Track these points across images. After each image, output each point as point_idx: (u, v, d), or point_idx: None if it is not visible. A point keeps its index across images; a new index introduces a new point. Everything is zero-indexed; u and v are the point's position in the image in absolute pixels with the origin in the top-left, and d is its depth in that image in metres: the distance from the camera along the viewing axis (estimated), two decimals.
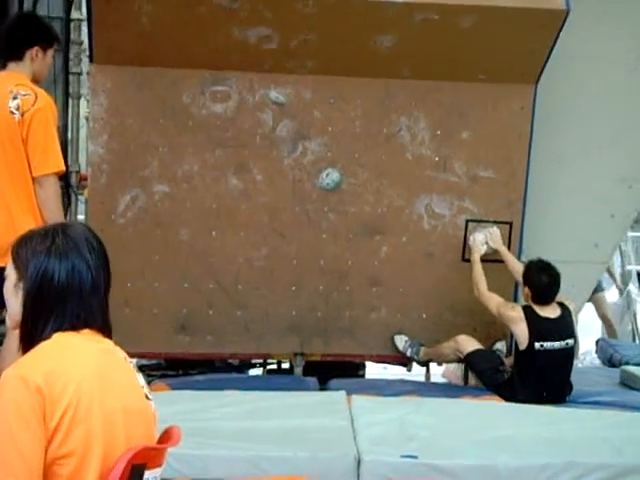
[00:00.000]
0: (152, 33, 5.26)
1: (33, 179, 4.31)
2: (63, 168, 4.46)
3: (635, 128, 6.11)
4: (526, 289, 5.57)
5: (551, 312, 5.51)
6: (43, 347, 2.22)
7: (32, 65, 4.49)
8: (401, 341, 5.89)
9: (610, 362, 7.42)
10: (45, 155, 4.31)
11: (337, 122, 5.72)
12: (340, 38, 5.39)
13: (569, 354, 5.54)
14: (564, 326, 5.52)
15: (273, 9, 5.23)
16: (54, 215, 4.23)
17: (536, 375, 5.43)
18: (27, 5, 6.14)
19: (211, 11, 5.19)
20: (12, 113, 4.28)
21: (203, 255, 5.74)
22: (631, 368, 6.47)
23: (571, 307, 5.62)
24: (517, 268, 5.72)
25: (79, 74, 5.85)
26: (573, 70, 5.95)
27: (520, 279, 5.68)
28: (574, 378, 5.56)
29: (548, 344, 5.44)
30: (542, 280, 5.50)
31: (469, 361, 5.70)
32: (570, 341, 5.51)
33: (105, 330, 2.32)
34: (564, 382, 5.50)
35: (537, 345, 5.42)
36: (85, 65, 5.69)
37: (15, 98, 4.30)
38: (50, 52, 4.61)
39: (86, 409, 2.14)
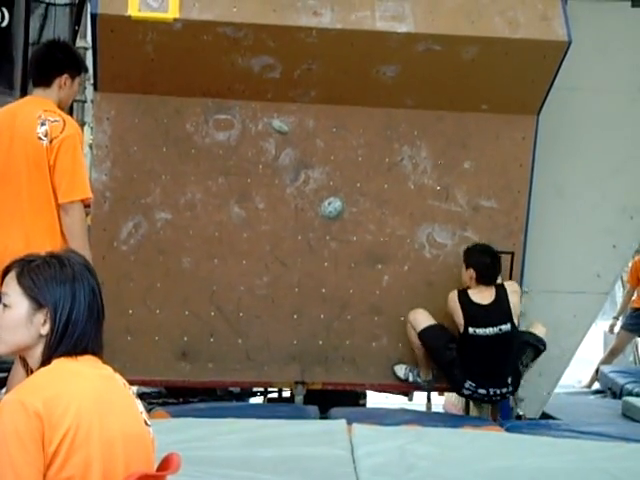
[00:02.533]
0: (156, 61, 5.30)
1: (59, 205, 4.34)
2: (90, 195, 4.48)
3: (636, 159, 6.13)
4: (469, 271, 5.63)
5: (486, 297, 5.61)
6: (43, 372, 2.23)
7: (59, 92, 4.53)
8: (401, 370, 5.89)
9: (611, 391, 7.43)
10: (72, 182, 4.33)
11: (339, 151, 5.74)
12: (343, 68, 5.43)
13: (504, 339, 5.59)
14: (497, 312, 5.59)
15: (276, 38, 5.26)
16: (79, 241, 4.25)
17: (473, 359, 5.57)
18: (33, 34, 6.20)
19: (215, 40, 5.22)
20: (40, 139, 4.31)
21: (205, 283, 5.74)
22: (632, 399, 6.47)
23: (510, 288, 5.66)
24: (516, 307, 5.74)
25: (83, 102, 5.88)
26: (575, 101, 5.98)
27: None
28: (574, 408, 5.56)
29: (480, 330, 5.56)
30: (484, 261, 5.61)
31: (422, 338, 5.73)
32: (505, 326, 5.58)
33: (102, 356, 2.34)
34: (502, 367, 5.59)
35: (470, 330, 5.55)
36: (89, 93, 5.72)
37: (43, 124, 4.33)
38: (77, 80, 4.67)
39: (85, 434, 2.14)
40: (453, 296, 5.63)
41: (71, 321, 2.28)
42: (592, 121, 6.09)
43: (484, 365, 5.56)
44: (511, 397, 5.97)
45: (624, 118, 6.12)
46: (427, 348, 5.75)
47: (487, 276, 5.62)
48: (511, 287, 5.71)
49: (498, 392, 5.64)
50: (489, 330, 5.56)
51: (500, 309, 5.61)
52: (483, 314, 5.58)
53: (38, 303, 2.29)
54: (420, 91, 5.60)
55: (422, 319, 5.70)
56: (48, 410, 2.12)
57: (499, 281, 5.73)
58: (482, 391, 5.62)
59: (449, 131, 5.78)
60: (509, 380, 5.64)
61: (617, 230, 6.16)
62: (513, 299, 5.66)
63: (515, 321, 5.63)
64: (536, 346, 5.74)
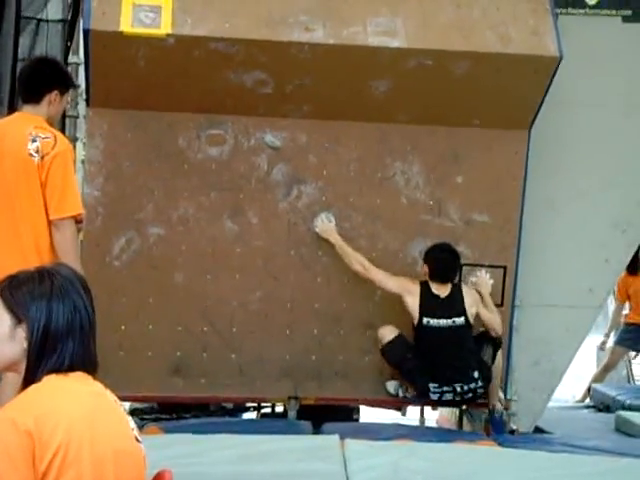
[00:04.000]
0: (149, 77, 5.30)
1: (50, 222, 4.33)
2: (81, 211, 4.47)
3: (628, 172, 6.15)
4: (425, 267, 5.70)
5: (442, 291, 5.68)
6: (33, 390, 2.22)
7: (49, 108, 4.53)
8: (392, 386, 5.91)
9: (605, 406, 7.42)
10: (63, 198, 4.33)
11: (332, 166, 5.75)
12: (335, 83, 5.44)
13: (458, 333, 5.65)
14: (452, 305, 5.67)
15: (269, 54, 5.28)
16: (70, 257, 4.24)
17: (427, 351, 5.64)
18: (24, 50, 6.20)
19: (207, 55, 5.23)
20: (31, 155, 4.30)
21: (198, 298, 5.74)
22: (626, 414, 6.46)
23: (466, 289, 5.73)
24: (492, 320, 5.76)
25: (76, 117, 5.88)
26: (566, 115, 6.00)
27: (493, 332, 5.76)
28: (568, 422, 5.56)
29: (434, 321, 5.63)
30: (440, 258, 5.68)
31: (384, 355, 5.78)
32: (458, 319, 5.65)
33: (94, 372, 2.32)
34: (462, 361, 5.63)
35: (424, 320, 5.62)
36: (82, 108, 5.72)
37: (34, 141, 4.32)
38: (66, 97, 4.67)
39: (76, 452, 2.13)
40: (417, 281, 5.70)
41: (49, 336, 2.26)
42: (583, 135, 6.11)
43: (442, 360, 5.60)
44: (504, 411, 5.97)
45: (615, 132, 6.14)
46: (390, 363, 5.80)
47: (439, 273, 5.69)
48: (468, 290, 5.77)
49: (466, 388, 5.63)
50: (442, 322, 5.64)
51: (454, 303, 5.69)
52: (438, 305, 5.65)
53: (18, 318, 2.28)
54: (412, 106, 5.61)
55: (386, 333, 5.75)
56: (39, 428, 2.11)
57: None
58: (448, 389, 5.61)
59: (441, 146, 5.80)
60: (475, 375, 5.64)
61: (609, 244, 6.17)
62: (468, 299, 5.71)
63: (470, 320, 5.68)
64: (493, 340, 5.78)
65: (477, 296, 5.78)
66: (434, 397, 5.68)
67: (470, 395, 5.67)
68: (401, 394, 5.91)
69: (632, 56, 6.14)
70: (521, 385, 6.09)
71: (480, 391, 5.69)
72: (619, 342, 8.88)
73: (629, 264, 8.16)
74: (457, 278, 5.80)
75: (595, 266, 6.15)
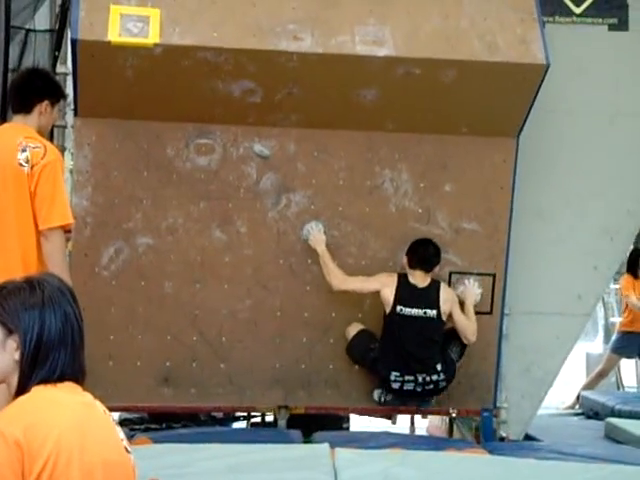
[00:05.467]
0: (137, 86, 5.30)
1: (39, 231, 4.32)
2: (70, 221, 4.46)
3: (615, 180, 6.17)
4: (405, 258, 5.77)
5: (420, 282, 5.74)
6: (22, 401, 2.21)
7: (40, 119, 4.53)
8: (376, 393, 5.91)
9: (594, 412, 7.42)
10: (52, 208, 4.31)
11: (321, 175, 5.75)
12: (323, 92, 5.44)
13: (428, 324, 5.72)
14: (427, 296, 5.74)
15: (257, 63, 5.28)
16: (59, 268, 4.21)
17: (394, 339, 5.68)
18: (12, 60, 6.18)
19: (195, 65, 5.23)
20: (21, 165, 4.30)
21: (187, 307, 5.73)
22: (615, 421, 6.47)
23: (444, 287, 5.79)
24: (466, 326, 5.79)
25: (64, 127, 5.87)
26: (553, 123, 6.02)
27: (465, 339, 5.82)
28: (558, 429, 5.56)
29: (407, 310, 5.70)
30: (420, 248, 5.75)
31: (349, 353, 5.85)
32: (430, 311, 5.73)
33: (83, 382, 2.32)
34: (427, 351, 5.70)
35: (398, 308, 5.69)
36: (70, 118, 5.71)
37: (24, 151, 4.32)
38: (57, 107, 4.66)
39: (65, 463, 2.12)
40: (394, 274, 5.76)
41: (42, 346, 2.26)
42: (571, 143, 6.13)
43: (407, 350, 5.66)
44: (494, 419, 5.97)
45: (602, 140, 6.17)
46: (355, 359, 5.85)
47: (419, 260, 5.73)
48: (447, 288, 5.82)
49: (428, 379, 5.68)
50: (415, 311, 5.70)
51: (429, 295, 5.75)
52: (413, 294, 5.71)
53: (8, 329, 2.27)
54: (400, 114, 5.62)
55: (351, 329, 5.81)
56: (28, 439, 2.10)
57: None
58: (409, 378, 5.65)
59: (430, 154, 5.81)
60: (438, 367, 5.69)
61: (598, 251, 6.19)
62: (444, 296, 5.76)
63: (442, 315, 5.73)
64: (461, 339, 5.82)
65: (454, 297, 5.83)
66: (395, 386, 5.71)
67: (431, 387, 5.71)
68: (383, 399, 5.90)
69: (618, 64, 6.17)
70: (511, 392, 6.09)
71: (442, 384, 5.75)
72: (614, 350, 8.87)
73: (630, 267, 8.20)
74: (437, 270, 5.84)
75: (584, 273, 6.17)
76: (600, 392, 8.32)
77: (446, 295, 5.79)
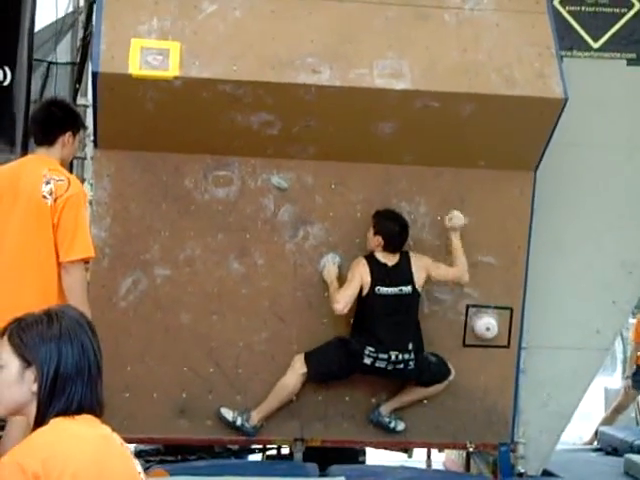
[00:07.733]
0: (156, 119, 5.33)
1: (59, 264, 4.34)
2: (91, 254, 4.48)
3: (634, 214, 6.16)
4: (377, 238, 5.67)
5: (390, 259, 5.69)
6: (41, 433, 2.21)
7: (62, 150, 4.57)
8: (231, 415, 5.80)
9: (612, 448, 7.36)
10: (74, 241, 4.35)
11: (338, 207, 5.76)
12: (341, 124, 5.46)
13: (404, 301, 5.66)
14: (400, 273, 5.67)
15: (275, 96, 5.31)
16: (79, 300, 4.23)
17: (373, 321, 5.62)
18: (34, 92, 6.23)
19: (215, 97, 5.26)
20: (44, 197, 4.33)
21: (204, 339, 5.72)
22: (635, 457, 6.41)
23: (414, 258, 5.70)
24: (450, 273, 5.73)
25: (83, 159, 5.91)
26: (572, 156, 6.02)
27: (460, 279, 5.75)
28: (576, 465, 5.51)
29: (383, 289, 5.63)
30: (394, 229, 5.66)
31: (307, 361, 5.71)
32: (405, 288, 5.66)
33: (101, 414, 2.32)
34: (402, 328, 5.64)
35: (376, 289, 5.62)
36: (89, 150, 5.75)
37: (48, 183, 4.35)
38: (78, 138, 4.71)
39: None
40: (361, 260, 5.67)
41: (58, 378, 2.26)
42: (589, 176, 6.13)
43: (384, 327, 5.60)
44: (512, 454, 5.93)
45: (620, 173, 6.16)
46: (325, 378, 5.73)
47: (394, 244, 5.69)
48: (417, 256, 5.74)
49: (400, 357, 5.60)
50: (390, 290, 5.64)
51: (402, 272, 5.69)
52: (387, 274, 5.65)
53: (26, 361, 2.28)
54: (418, 147, 5.63)
55: (296, 363, 5.69)
56: (46, 472, 2.10)
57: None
58: (383, 356, 5.58)
59: (447, 187, 5.81)
60: (410, 346, 5.63)
61: (616, 285, 6.16)
62: (416, 266, 5.70)
63: (418, 288, 5.68)
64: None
65: (427, 260, 5.75)
66: (367, 361, 5.61)
67: (401, 366, 5.63)
68: (392, 425, 5.84)
69: (636, 98, 6.18)
70: (529, 427, 6.05)
71: (411, 364, 5.65)
72: (634, 385, 8.80)
73: None
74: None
75: (602, 308, 6.14)
76: (618, 428, 8.25)
77: (418, 263, 5.71)
